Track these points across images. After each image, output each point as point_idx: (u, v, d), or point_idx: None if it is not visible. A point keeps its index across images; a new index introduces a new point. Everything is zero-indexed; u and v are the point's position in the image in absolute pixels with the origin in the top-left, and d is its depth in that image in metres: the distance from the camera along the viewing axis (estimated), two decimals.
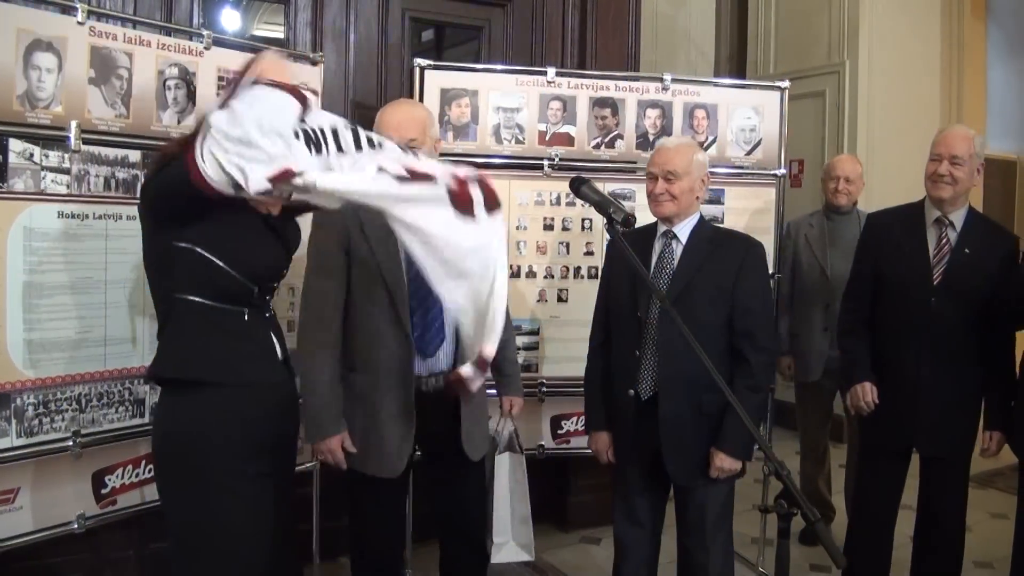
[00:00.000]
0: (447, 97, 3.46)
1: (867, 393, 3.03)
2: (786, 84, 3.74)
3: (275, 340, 2.14)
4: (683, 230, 2.62)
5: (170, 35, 2.83)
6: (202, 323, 1.99)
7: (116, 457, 2.70)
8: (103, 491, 2.67)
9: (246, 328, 2.06)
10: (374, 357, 2.50)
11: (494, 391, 2.85)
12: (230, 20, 4.05)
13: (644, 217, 2.68)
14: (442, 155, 2.69)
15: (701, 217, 2.67)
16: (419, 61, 3.44)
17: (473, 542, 2.73)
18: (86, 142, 2.56)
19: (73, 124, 2.52)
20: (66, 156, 2.53)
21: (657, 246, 2.64)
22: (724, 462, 2.53)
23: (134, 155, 2.69)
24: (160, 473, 2.06)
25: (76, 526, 2.60)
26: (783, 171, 3.75)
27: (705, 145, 3.62)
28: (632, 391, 2.60)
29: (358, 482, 2.55)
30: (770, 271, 3.44)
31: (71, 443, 2.56)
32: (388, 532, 2.64)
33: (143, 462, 2.76)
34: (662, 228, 2.64)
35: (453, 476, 2.66)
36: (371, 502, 2.59)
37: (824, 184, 4.01)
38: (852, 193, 3.91)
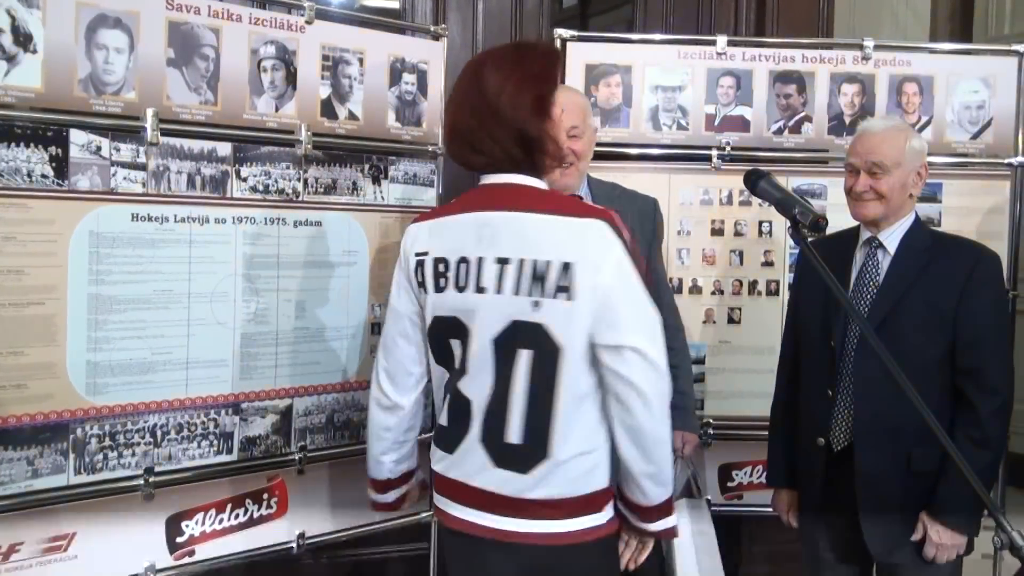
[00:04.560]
0: (594, 75, 3.13)
1: None
2: None
3: None
4: (892, 236, 2.31)
5: (265, 8, 2.60)
6: None
7: (196, 500, 2.45)
8: (179, 539, 2.42)
9: None
10: None
11: None
12: None
13: (839, 220, 2.31)
14: None
15: (916, 219, 2.34)
16: (560, 32, 3.13)
17: None
18: (165, 133, 2.32)
19: (149, 112, 2.28)
20: (141, 149, 2.29)
21: (858, 257, 2.36)
22: (942, 536, 2.19)
23: (223, 148, 2.45)
24: None
25: None
26: (1021, 159, 3.21)
27: (917, 128, 3.16)
28: (822, 440, 2.32)
29: None
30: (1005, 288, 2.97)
31: (141, 482, 2.31)
32: None
33: (228, 506, 2.49)
34: (865, 234, 2.35)
35: None
36: None
37: None
38: None
